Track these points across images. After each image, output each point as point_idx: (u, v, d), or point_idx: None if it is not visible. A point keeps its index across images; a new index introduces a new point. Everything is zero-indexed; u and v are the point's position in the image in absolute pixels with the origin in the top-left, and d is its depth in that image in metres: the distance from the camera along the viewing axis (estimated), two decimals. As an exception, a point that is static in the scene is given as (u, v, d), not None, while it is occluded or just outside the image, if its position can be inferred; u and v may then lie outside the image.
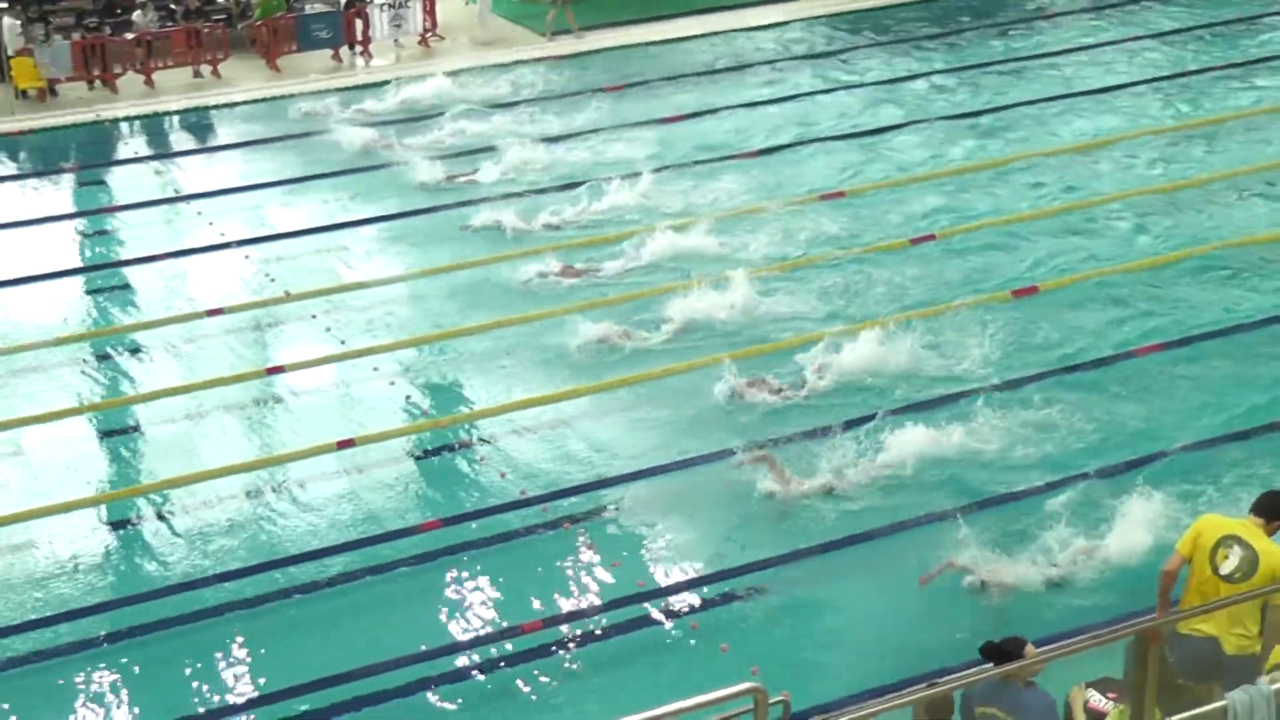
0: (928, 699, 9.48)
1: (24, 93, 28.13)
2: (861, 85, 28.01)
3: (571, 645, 13.44)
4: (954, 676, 9.93)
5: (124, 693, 13.11)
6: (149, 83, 29.10)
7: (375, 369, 18.26)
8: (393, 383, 18.00)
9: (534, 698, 12.86)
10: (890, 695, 9.32)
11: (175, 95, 28.73)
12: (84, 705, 12.96)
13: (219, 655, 13.47)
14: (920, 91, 27.61)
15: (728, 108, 26.99)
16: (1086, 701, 10.76)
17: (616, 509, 15.30)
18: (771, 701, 8.45)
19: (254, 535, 15.20)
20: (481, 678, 13.16)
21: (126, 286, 21.10)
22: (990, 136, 25.14)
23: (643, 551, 14.76)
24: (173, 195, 23.92)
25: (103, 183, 25.20)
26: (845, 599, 13.93)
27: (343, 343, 18.97)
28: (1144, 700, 9.98)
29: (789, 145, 25.00)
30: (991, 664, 9.63)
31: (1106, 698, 10.97)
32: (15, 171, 26.10)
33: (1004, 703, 9.63)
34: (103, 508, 15.87)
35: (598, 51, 30.81)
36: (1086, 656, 10.04)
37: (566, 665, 13.25)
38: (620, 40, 31.38)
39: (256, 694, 13.03)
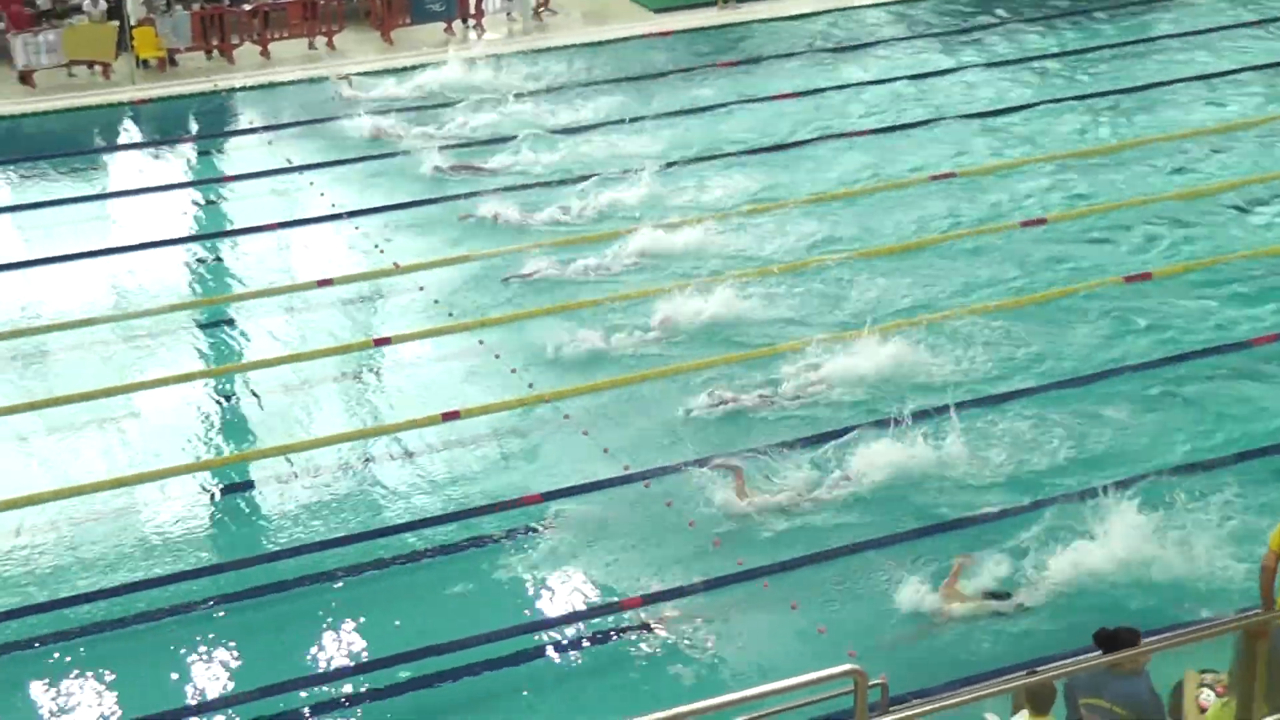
0: (1028, 686, 9.39)
1: (145, 62, 28.48)
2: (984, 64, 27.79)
3: (669, 622, 13.42)
4: (1055, 665, 9.84)
5: (229, 654, 13.33)
6: (265, 54, 29.38)
7: (481, 342, 18.31)
8: (498, 355, 18.05)
9: (631, 674, 12.88)
10: (991, 681, 9.25)
11: (290, 66, 28.98)
12: (191, 665, 13.19)
13: (324, 620, 13.65)
14: (1048, 71, 27.34)
15: (845, 86, 26.88)
16: (1198, 695, 10.60)
17: (714, 484, 15.21)
18: (870, 684, 8.42)
19: (359, 503, 15.36)
20: (578, 651, 13.19)
21: (239, 255, 21.35)
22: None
23: (741, 531, 14.69)
24: (285, 165, 24.11)
25: (218, 152, 25.48)
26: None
27: (450, 314, 19.06)
28: (1250, 695, 9.80)
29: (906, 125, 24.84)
30: (1099, 652, 9.49)
31: (1215, 691, 10.80)
32: (136, 140, 26.47)
33: (1110, 692, 9.50)
34: (211, 473, 16.10)
35: (711, 28, 30.70)
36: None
37: (664, 641, 13.23)
38: (736, 17, 31.30)
39: (359, 661, 13.20)
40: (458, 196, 22.39)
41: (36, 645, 13.38)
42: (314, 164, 24.07)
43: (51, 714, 12.68)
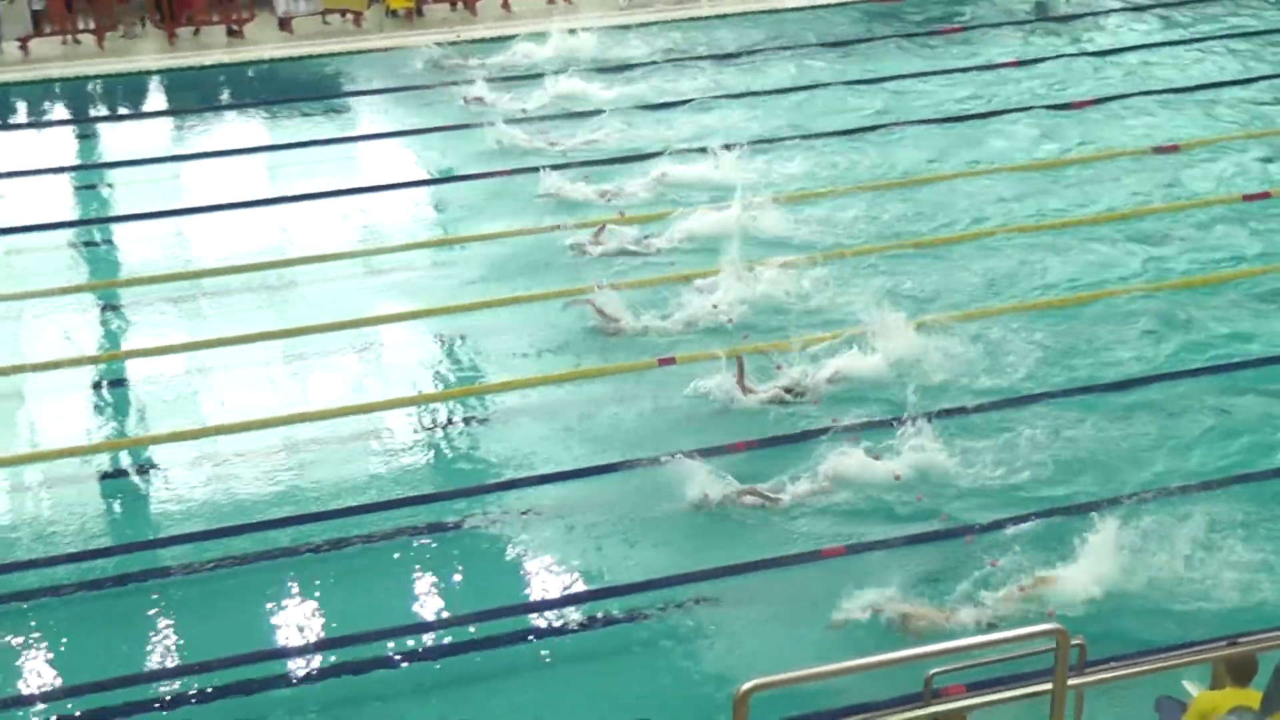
0: (1230, 658, 9.24)
1: (394, 12, 29.19)
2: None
3: (880, 569, 13.30)
4: (1257, 637, 9.67)
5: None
6: (505, 6, 29.85)
7: (714, 306, 18.06)
8: (715, 306, 18.01)
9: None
10: (1192, 649, 9.12)
11: (531, 19, 29.39)
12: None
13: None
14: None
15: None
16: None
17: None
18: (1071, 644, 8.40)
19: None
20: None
21: (469, 199, 21.60)
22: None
23: (954, 484, 14.55)
24: (520, 115, 24.32)
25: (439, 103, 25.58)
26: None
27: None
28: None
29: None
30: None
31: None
32: (378, 85, 26.72)
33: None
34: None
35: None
36: None
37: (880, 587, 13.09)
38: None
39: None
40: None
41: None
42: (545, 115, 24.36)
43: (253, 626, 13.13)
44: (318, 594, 13.42)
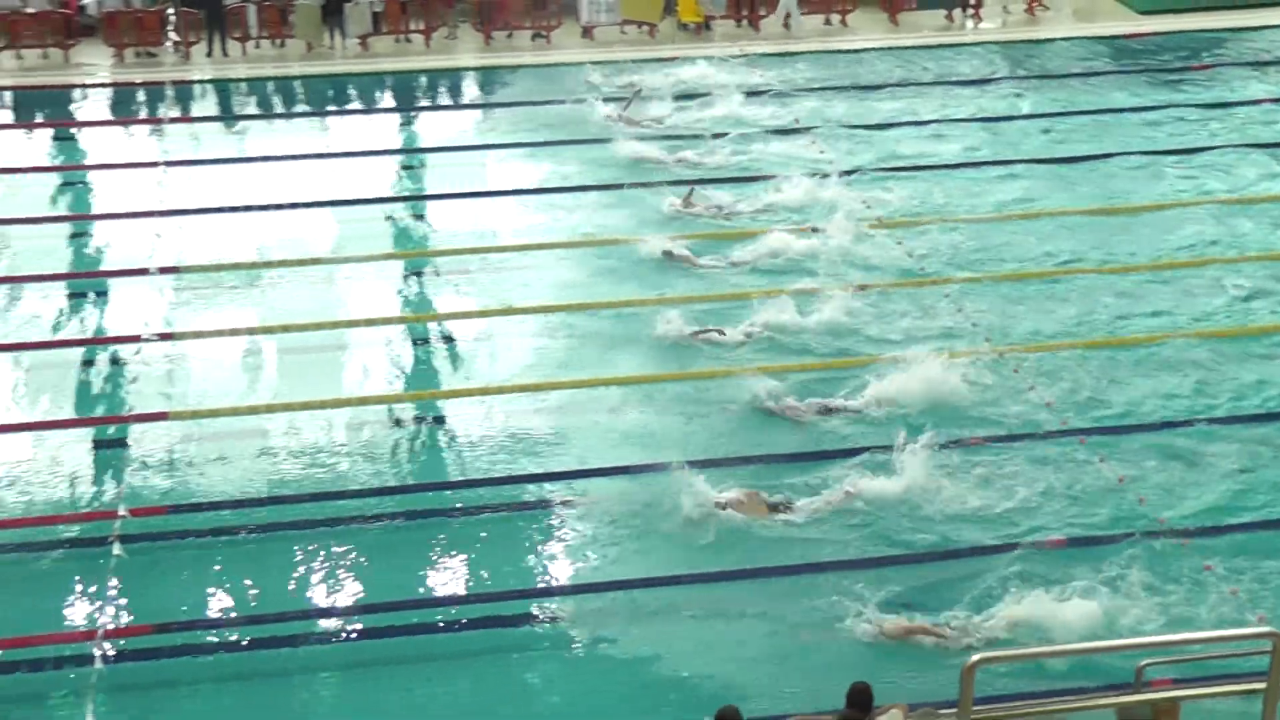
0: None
1: (685, 25, 30.83)
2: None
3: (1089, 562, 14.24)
4: None
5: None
6: (785, 25, 31.23)
7: (952, 298, 19.52)
8: (946, 294, 19.16)
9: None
10: None
11: (808, 39, 30.74)
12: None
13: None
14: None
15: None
16: None
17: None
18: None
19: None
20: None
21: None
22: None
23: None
24: (791, 125, 25.64)
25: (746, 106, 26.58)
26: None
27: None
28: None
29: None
30: None
31: None
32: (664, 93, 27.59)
33: None
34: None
35: (1190, 31, 30.73)
36: None
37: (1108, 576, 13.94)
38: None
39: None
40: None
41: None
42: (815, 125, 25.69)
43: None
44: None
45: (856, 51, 29.81)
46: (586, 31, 30.69)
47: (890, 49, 29.96)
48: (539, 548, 14.84)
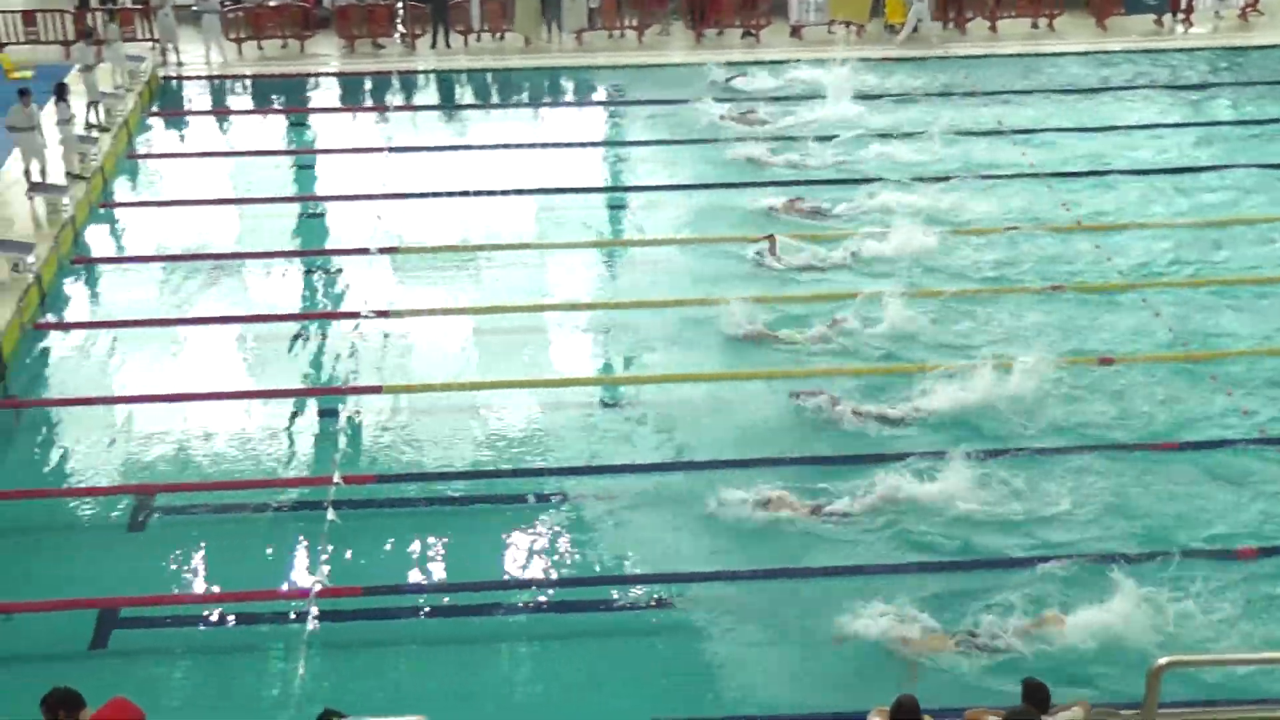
0: None
1: (892, 26, 30.59)
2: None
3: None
4: None
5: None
6: (993, 29, 30.78)
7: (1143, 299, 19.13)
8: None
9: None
10: None
11: (1013, 41, 30.25)
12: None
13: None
14: None
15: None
16: None
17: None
18: None
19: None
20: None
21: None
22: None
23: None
24: (996, 127, 25.35)
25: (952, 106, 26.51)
26: None
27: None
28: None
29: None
30: None
31: None
32: (863, 90, 27.14)
33: None
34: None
35: None
36: None
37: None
38: None
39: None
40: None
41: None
42: (1025, 129, 25.29)
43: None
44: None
45: (1059, 55, 29.19)
46: (795, 31, 30.65)
47: (1094, 53, 29.31)
48: (733, 530, 14.76)
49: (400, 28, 30.44)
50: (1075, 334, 18.39)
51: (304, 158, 25.42)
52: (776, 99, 26.76)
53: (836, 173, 23.44)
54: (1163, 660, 8.54)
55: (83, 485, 15.75)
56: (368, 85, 28.65)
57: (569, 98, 28.45)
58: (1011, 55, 29.39)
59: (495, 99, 28.50)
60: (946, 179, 22.76)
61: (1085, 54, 29.31)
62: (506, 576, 14.31)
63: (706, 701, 12.53)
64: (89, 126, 24.36)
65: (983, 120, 25.81)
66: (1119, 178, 23.09)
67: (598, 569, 14.32)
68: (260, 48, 30.13)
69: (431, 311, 19.40)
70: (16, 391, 17.62)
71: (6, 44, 29.39)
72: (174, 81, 28.65)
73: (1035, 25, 30.97)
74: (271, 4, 30.25)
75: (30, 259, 19.56)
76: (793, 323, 18.63)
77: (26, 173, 22.00)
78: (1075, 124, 25.59)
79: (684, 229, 21.70)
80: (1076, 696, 11.11)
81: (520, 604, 13.87)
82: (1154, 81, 27.74)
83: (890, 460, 15.38)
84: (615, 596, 14.01)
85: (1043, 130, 25.27)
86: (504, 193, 23.06)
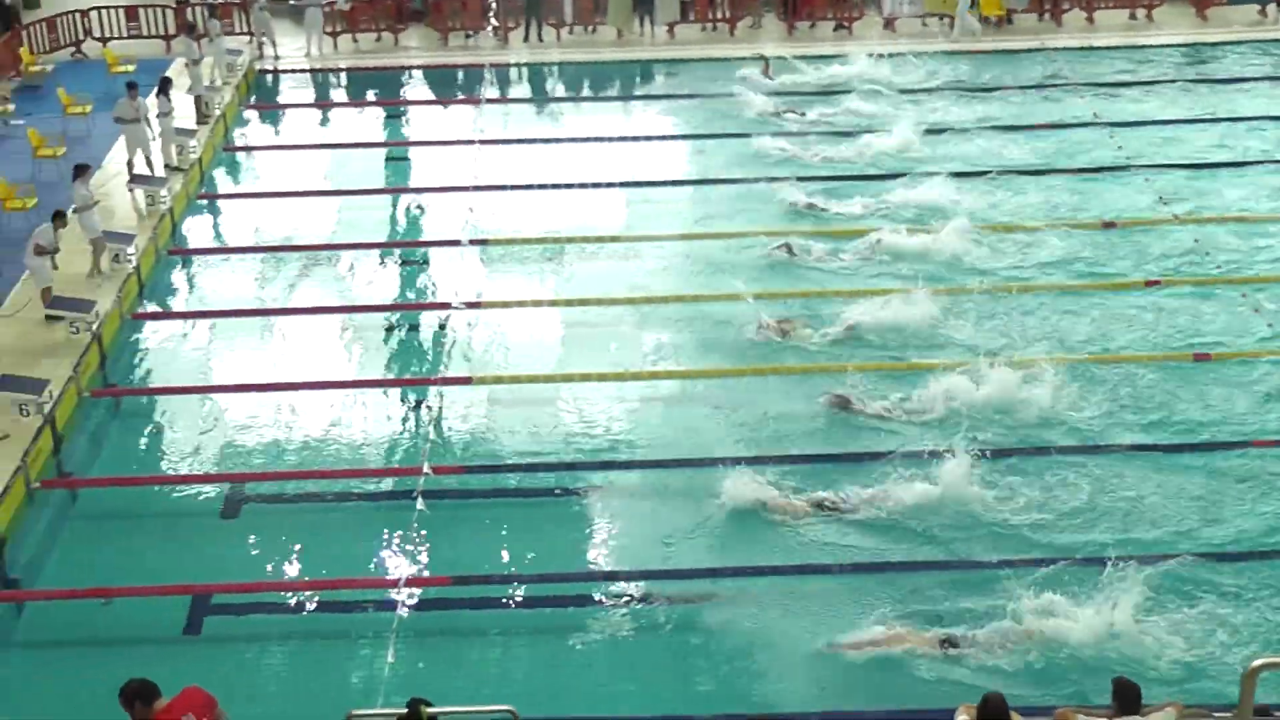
0: None
1: (986, 19, 30.09)
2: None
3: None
4: None
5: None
6: (1090, 20, 30.17)
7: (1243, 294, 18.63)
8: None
9: None
10: None
11: (1110, 32, 29.63)
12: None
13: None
14: None
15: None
16: None
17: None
18: None
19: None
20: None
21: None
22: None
23: None
24: (1090, 119, 24.93)
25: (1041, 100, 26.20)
26: None
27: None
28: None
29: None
30: None
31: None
32: (964, 84, 27.11)
33: None
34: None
35: None
36: None
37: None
38: None
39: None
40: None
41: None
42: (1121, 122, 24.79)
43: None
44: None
45: (1160, 47, 28.60)
46: (888, 23, 30.27)
47: (1196, 44, 28.66)
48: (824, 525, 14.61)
49: (493, 21, 30.46)
50: (1173, 331, 18.06)
51: (396, 150, 25.49)
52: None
53: (938, 167, 22.87)
54: (1258, 662, 8.27)
55: (178, 473, 15.88)
56: (460, 78, 28.68)
57: (660, 91, 28.20)
58: (1109, 47, 28.75)
59: (587, 92, 28.40)
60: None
61: (1185, 45, 28.59)
62: (593, 568, 14.22)
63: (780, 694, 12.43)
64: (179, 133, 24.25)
65: (1079, 112, 25.39)
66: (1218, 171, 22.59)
67: (689, 562, 14.12)
68: (355, 41, 30.28)
69: (521, 303, 19.37)
70: (116, 380, 17.83)
71: (110, 38, 29.77)
72: (269, 75, 28.86)
73: (1134, 16, 30.30)
74: (366, -2, 30.43)
75: (130, 250, 19.80)
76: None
77: (130, 164, 22.28)
78: (1175, 116, 24.99)
79: (774, 222, 21.40)
80: (1169, 698, 10.80)
81: (605, 596, 13.75)
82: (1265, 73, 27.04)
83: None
84: (708, 589, 13.78)
85: (1142, 124, 24.72)
86: (595, 185, 22.95)
